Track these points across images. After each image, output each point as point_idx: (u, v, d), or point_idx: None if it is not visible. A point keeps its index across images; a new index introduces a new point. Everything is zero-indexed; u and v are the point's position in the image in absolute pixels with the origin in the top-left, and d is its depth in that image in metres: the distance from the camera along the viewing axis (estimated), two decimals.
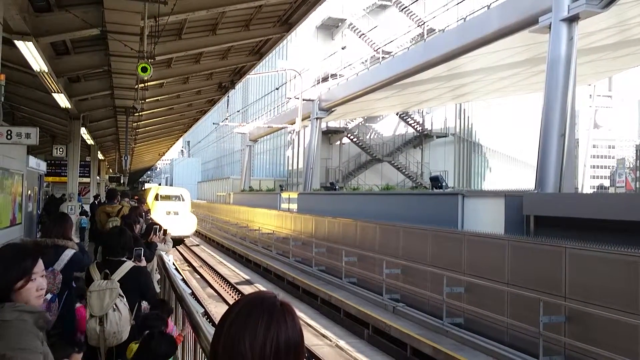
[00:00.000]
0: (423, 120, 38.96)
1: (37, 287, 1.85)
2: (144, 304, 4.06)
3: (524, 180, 40.07)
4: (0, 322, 1.66)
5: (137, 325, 3.48)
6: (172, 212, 26.58)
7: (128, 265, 3.71)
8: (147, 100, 13.26)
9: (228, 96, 21.40)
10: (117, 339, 3.34)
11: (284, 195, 25.88)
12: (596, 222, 8.77)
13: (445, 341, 9.32)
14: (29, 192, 13.76)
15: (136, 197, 15.90)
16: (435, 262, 11.14)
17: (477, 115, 42.59)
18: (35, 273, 1.85)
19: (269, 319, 1.03)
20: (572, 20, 12.34)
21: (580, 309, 7.61)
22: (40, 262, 1.90)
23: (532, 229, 10.07)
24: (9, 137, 8.81)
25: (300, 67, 30.10)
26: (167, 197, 27.94)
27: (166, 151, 42.72)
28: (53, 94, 10.03)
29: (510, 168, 51.13)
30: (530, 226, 10.13)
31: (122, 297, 3.42)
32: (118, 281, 3.51)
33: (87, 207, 18.03)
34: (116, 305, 3.34)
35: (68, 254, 3.75)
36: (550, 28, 12.72)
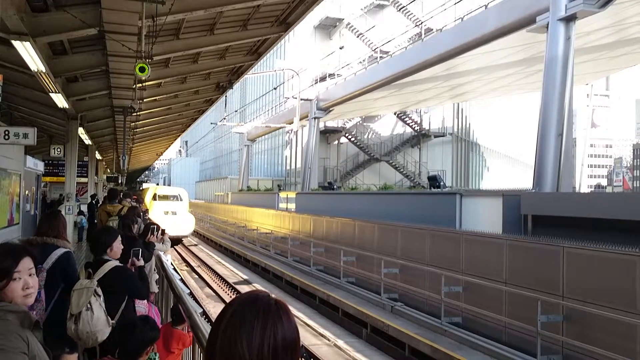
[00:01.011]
0: (421, 120, 38.98)
1: (23, 287, 1.83)
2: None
3: (522, 179, 40.17)
4: None
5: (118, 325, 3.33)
6: (170, 212, 26.53)
7: (110, 264, 3.62)
8: (144, 100, 13.24)
9: (226, 96, 21.41)
10: (92, 339, 3.24)
11: (282, 195, 25.87)
12: (594, 221, 8.80)
13: (444, 340, 9.33)
14: (27, 192, 13.76)
15: (135, 197, 15.92)
16: (434, 261, 11.16)
17: (475, 114, 42.62)
18: (20, 272, 1.82)
19: (265, 319, 1.03)
20: (569, 19, 12.37)
21: (578, 308, 7.62)
22: (27, 261, 1.87)
23: (529, 229, 10.10)
24: (6, 137, 8.83)
25: (298, 67, 30.10)
26: (165, 197, 27.90)
27: (164, 151, 42.67)
28: (51, 94, 10.00)
29: (508, 167, 51.18)
30: (528, 225, 10.15)
31: (99, 296, 3.31)
32: (100, 281, 3.44)
33: (84, 208, 18.02)
34: (90, 305, 3.24)
35: (58, 252, 3.73)
36: (547, 27, 12.76)
